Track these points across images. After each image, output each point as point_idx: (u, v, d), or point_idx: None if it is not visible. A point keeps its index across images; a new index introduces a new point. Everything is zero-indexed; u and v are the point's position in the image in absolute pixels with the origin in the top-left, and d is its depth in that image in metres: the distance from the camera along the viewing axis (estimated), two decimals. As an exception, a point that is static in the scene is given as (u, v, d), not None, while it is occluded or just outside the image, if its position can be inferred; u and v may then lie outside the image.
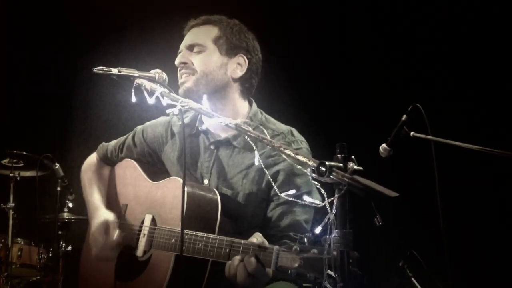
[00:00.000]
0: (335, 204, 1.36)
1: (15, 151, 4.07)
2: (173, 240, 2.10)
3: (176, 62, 2.34)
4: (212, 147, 2.34)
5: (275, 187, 2.04)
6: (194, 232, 2.02)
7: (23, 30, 4.83)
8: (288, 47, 4.21)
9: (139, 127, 2.61)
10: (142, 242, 2.25)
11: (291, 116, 2.69)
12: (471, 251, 3.49)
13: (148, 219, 2.28)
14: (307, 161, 1.42)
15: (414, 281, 2.72)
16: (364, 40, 4.13)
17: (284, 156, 1.52)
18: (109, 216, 2.41)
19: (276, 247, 1.73)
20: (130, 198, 2.48)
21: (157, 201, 2.29)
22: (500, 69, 3.69)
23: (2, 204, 4.06)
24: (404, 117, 2.23)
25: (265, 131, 1.62)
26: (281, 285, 2.11)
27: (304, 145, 2.32)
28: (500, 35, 3.70)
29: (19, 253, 4.04)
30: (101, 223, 2.38)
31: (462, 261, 2.95)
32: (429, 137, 2.18)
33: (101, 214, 2.44)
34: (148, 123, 2.60)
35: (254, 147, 1.64)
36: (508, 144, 2.13)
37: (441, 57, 3.87)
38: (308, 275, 1.50)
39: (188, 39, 2.37)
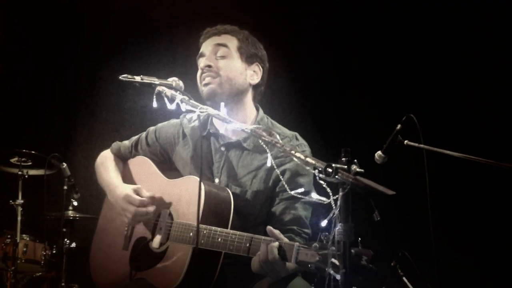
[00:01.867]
0: (339, 201, 1.54)
1: (24, 150, 4.11)
2: (191, 234, 2.23)
3: (201, 64, 2.49)
4: (222, 148, 2.49)
5: (283, 182, 2.19)
6: (213, 228, 2.16)
7: (31, 32, 4.87)
8: (292, 54, 4.29)
9: (151, 128, 2.74)
10: (159, 235, 2.36)
11: (296, 122, 2.84)
12: (459, 252, 3.60)
13: (164, 213, 2.40)
14: (316, 163, 1.60)
15: (405, 280, 2.88)
16: (367, 49, 4.23)
17: (295, 159, 1.68)
18: (132, 185, 2.50)
19: (296, 244, 1.89)
20: None
21: (173, 198, 2.42)
22: (495, 79, 3.80)
23: (11, 201, 4.08)
24: (398, 126, 2.34)
25: (277, 136, 1.79)
26: (299, 281, 2.23)
27: (307, 148, 2.51)
28: (496, 45, 3.81)
29: (25, 249, 4.07)
30: (130, 189, 2.45)
31: (451, 262, 3.09)
32: (421, 145, 2.31)
33: (124, 186, 2.52)
34: (160, 124, 2.73)
35: (267, 150, 1.80)
36: (495, 153, 2.30)
37: (438, 68, 3.99)
38: (326, 269, 1.64)
39: (213, 41, 2.51)
